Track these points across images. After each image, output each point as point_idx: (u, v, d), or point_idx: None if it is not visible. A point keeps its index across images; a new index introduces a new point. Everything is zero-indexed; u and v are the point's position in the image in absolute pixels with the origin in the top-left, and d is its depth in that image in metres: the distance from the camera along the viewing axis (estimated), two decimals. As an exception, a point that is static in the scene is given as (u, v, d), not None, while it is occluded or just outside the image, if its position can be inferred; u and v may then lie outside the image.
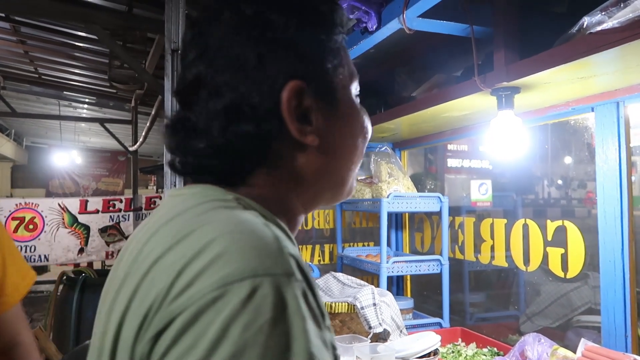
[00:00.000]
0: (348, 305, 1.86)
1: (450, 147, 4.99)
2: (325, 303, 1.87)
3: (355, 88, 0.66)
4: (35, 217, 6.83)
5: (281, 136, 0.57)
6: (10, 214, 7.19)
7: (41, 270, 8.12)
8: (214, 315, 0.42)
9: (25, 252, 6.78)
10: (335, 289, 2.07)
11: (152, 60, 4.70)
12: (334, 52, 0.62)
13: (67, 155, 11.69)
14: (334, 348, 0.50)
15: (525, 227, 1.97)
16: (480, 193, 2.37)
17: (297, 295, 0.45)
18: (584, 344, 1.56)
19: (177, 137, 0.60)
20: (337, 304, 1.86)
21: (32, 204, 6.83)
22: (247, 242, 0.46)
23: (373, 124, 2.32)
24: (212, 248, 0.46)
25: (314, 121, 0.59)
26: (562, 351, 1.64)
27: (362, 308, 1.83)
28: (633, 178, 1.74)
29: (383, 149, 2.47)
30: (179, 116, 0.60)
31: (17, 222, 7.17)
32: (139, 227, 0.62)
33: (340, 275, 2.15)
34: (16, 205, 7.20)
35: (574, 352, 1.58)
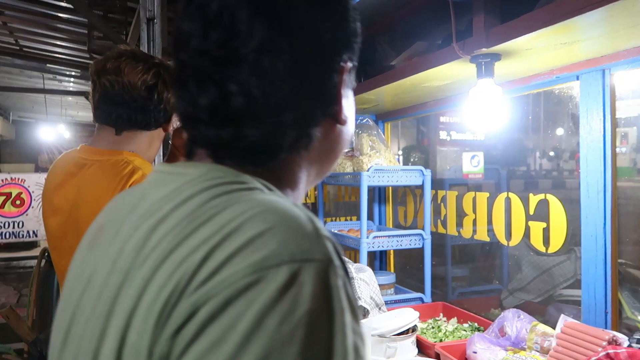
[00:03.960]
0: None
1: (442, 119, 4.93)
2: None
3: None
4: (22, 193, 6.75)
5: (329, 114, 0.58)
6: (-4, 190, 7.10)
7: (30, 246, 8.09)
8: (246, 305, 0.37)
9: (14, 228, 6.72)
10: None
11: (135, 30, 4.55)
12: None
13: (54, 130, 11.52)
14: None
15: (508, 200, 1.91)
16: (472, 165, 2.31)
17: (339, 285, 0.40)
18: (563, 320, 1.52)
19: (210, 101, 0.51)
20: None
21: (19, 179, 6.75)
22: (282, 223, 0.41)
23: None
24: (244, 230, 0.40)
25: (343, 100, 0.58)
26: (542, 327, 1.61)
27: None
28: (623, 149, 1.68)
29: (365, 120, 2.39)
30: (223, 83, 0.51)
31: (4, 197, 7.10)
32: (118, 204, 0.55)
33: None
34: (2, 180, 7.11)
35: (554, 327, 1.54)
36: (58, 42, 6.28)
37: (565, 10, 1.12)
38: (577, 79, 1.58)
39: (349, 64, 0.58)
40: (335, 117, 0.58)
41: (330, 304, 0.38)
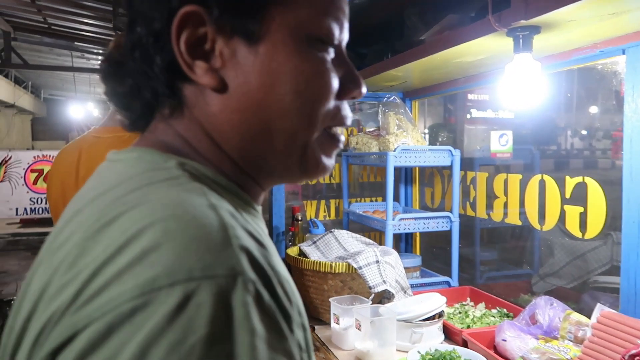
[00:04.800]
0: (348, 265, 1.77)
1: (470, 97, 4.76)
2: (326, 263, 1.78)
3: (317, 31, 0.50)
4: (53, 170, 6.92)
5: (181, 72, 0.48)
6: (29, 166, 7.32)
7: (62, 221, 8.37)
8: (130, 333, 0.32)
9: (46, 203, 6.92)
10: (335, 249, 1.97)
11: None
12: None
13: (83, 107, 11.71)
14: (308, 350, 0.41)
15: (542, 183, 1.82)
16: (501, 144, 2.22)
17: (247, 302, 0.34)
18: (599, 309, 1.45)
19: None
20: (337, 264, 1.78)
21: (50, 156, 6.93)
22: (185, 232, 0.36)
23: (378, 72, 2.10)
24: (139, 241, 0.35)
25: (217, 58, 0.47)
26: (576, 316, 1.54)
27: (360, 268, 1.74)
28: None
29: (392, 98, 2.30)
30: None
31: (36, 174, 7.30)
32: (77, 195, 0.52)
33: (344, 233, 2.06)
34: (34, 157, 7.31)
35: (589, 316, 1.47)
36: (85, 20, 6.30)
37: (616, -23, 1.02)
38: (623, 53, 1.46)
39: (194, 8, 0.46)
40: (193, 79, 0.48)
41: (231, 327, 0.33)
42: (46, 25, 6.96)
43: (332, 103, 0.51)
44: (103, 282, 0.34)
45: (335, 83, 0.51)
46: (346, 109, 0.54)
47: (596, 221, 1.60)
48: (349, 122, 0.55)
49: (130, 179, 0.43)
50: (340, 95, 0.52)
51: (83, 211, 0.43)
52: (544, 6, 1.21)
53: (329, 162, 0.54)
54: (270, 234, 2.44)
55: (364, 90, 0.54)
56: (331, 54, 0.51)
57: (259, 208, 0.54)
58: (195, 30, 0.46)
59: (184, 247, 0.35)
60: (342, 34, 0.52)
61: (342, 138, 0.55)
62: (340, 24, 0.51)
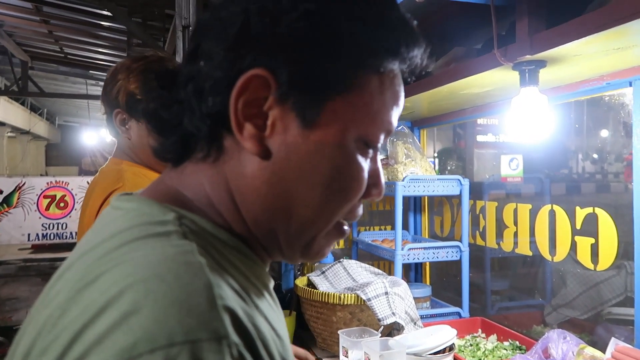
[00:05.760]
0: (357, 296, 1.76)
1: (480, 121, 4.77)
2: (334, 294, 1.77)
3: (368, 137, 0.50)
4: (65, 195, 7.01)
5: (228, 126, 0.47)
6: (42, 192, 7.41)
7: (73, 247, 8.43)
8: None
9: (57, 229, 6.98)
10: (344, 280, 1.97)
11: (172, 37, 4.63)
12: (351, 72, 0.48)
13: (96, 134, 11.90)
14: None
15: (552, 213, 1.81)
16: (511, 168, 2.22)
17: None
18: (614, 344, 1.42)
19: None
20: (345, 295, 1.77)
21: (63, 182, 7.02)
22: (166, 294, 0.35)
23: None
24: (118, 303, 0.35)
25: (269, 127, 0.47)
26: (590, 350, 1.51)
27: (369, 299, 1.72)
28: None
29: (400, 128, 2.32)
30: None
31: (49, 200, 7.39)
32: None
33: (353, 263, 2.05)
34: (47, 183, 7.41)
35: (603, 350, 1.44)
36: (100, 50, 6.48)
37: (619, 15, 1.04)
38: (630, 85, 1.47)
39: (264, 74, 0.45)
40: (240, 141, 0.47)
41: None
42: (62, 55, 7.16)
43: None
44: (83, 350, 0.33)
45: (364, 187, 0.51)
46: (360, 207, 0.53)
47: (608, 253, 1.58)
48: (357, 218, 0.55)
49: (121, 232, 0.43)
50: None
51: (73, 267, 0.43)
52: (549, 42, 1.22)
53: (328, 249, 0.54)
54: (279, 264, 2.43)
55: (382, 193, 0.54)
56: (370, 155, 0.51)
57: (265, 263, 0.53)
58: (258, 93, 0.45)
59: (166, 310, 0.34)
60: (384, 140, 0.53)
61: (347, 230, 0.54)
62: (387, 134, 0.52)
